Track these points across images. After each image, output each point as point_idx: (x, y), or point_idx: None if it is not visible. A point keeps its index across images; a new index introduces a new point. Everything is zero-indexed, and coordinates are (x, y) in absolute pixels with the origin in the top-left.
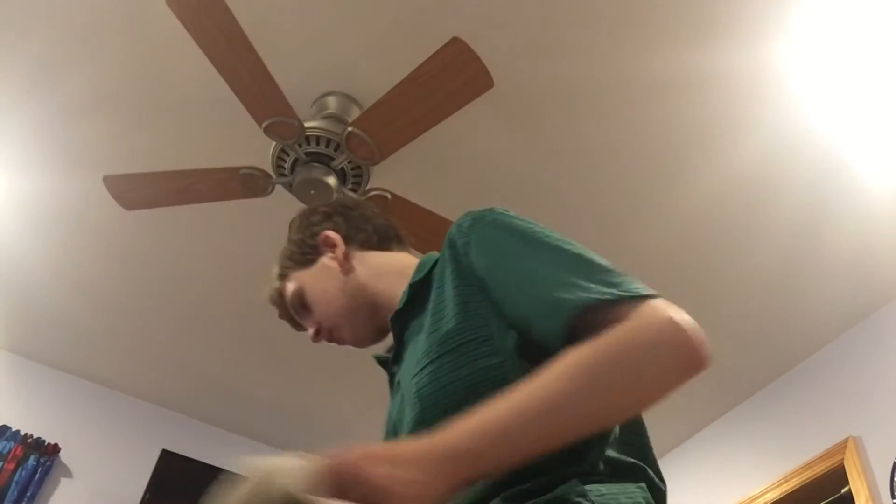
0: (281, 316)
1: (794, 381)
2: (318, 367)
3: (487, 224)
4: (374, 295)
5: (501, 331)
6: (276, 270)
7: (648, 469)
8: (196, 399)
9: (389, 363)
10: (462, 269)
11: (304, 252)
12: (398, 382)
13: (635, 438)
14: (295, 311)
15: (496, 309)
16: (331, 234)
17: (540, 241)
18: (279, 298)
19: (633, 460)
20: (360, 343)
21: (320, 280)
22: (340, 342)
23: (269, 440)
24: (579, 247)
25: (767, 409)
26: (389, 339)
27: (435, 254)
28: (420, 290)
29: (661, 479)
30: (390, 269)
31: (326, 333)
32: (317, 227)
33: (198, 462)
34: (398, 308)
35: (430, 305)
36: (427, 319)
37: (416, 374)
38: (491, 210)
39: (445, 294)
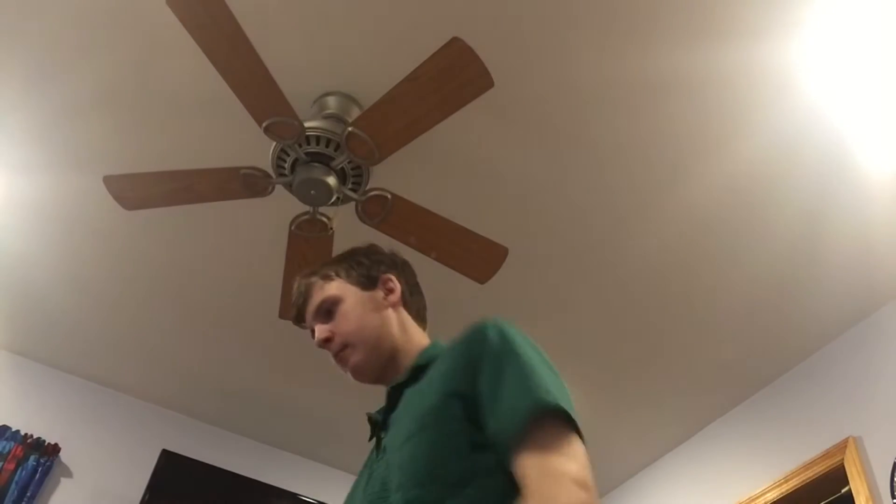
0: (293, 304)
1: (794, 381)
2: (318, 367)
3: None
4: (396, 350)
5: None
6: (321, 269)
7: None
8: (196, 399)
9: (378, 427)
10: (466, 377)
11: (363, 275)
12: (384, 448)
13: None
14: (316, 310)
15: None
16: (394, 279)
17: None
18: (306, 289)
19: None
20: (359, 371)
21: (364, 305)
22: (344, 360)
23: (269, 440)
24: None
25: (767, 409)
26: (374, 393)
27: (441, 343)
28: (420, 372)
29: None
30: (417, 340)
31: (338, 346)
32: (384, 266)
33: (198, 462)
34: (399, 381)
35: (426, 390)
36: (421, 401)
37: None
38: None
39: (435, 381)
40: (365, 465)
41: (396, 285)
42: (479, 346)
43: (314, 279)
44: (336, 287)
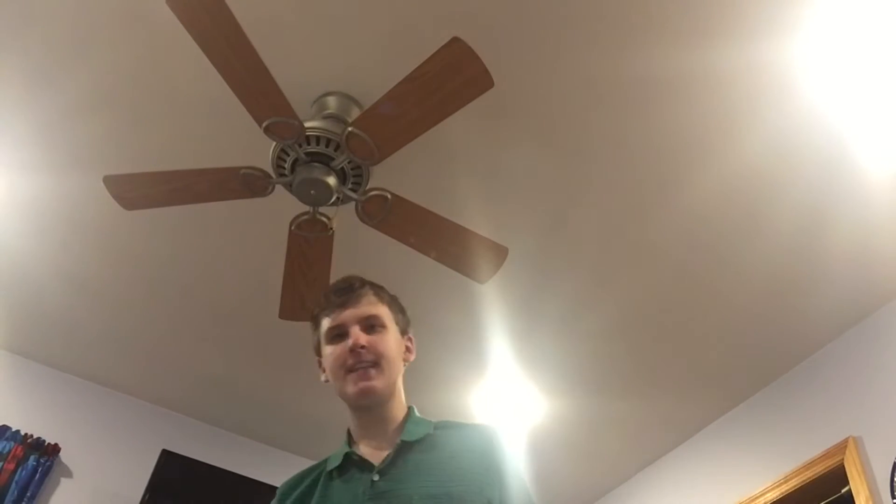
0: (346, 285)
1: (794, 381)
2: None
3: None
4: (394, 398)
5: None
6: (381, 291)
7: None
8: (196, 399)
9: (372, 471)
10: (493, 478)
11: (401, 322)
12: (382, 492)
13: None
14: (365, 317)
15: None
16: (413, 345)
17: None
18: (365, 294)
19: None
20: (372, 393)
21: (398, 345)
22: (365, 376)
23: (269, 440)
24: None
25: (767, 409)
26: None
27: (417, 413)
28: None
29: None
30: (404, 401)
31: (371, 360)
32: (410, 327)
33: (198, 462)
34: (413, 440)
35: (447, 466)
36: (443, 473)
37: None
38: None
39: (466, 473)
40: (324, 495)
41: (414, 350)
42: (500, 470)
43: (371, 291)
44: (386, 315)
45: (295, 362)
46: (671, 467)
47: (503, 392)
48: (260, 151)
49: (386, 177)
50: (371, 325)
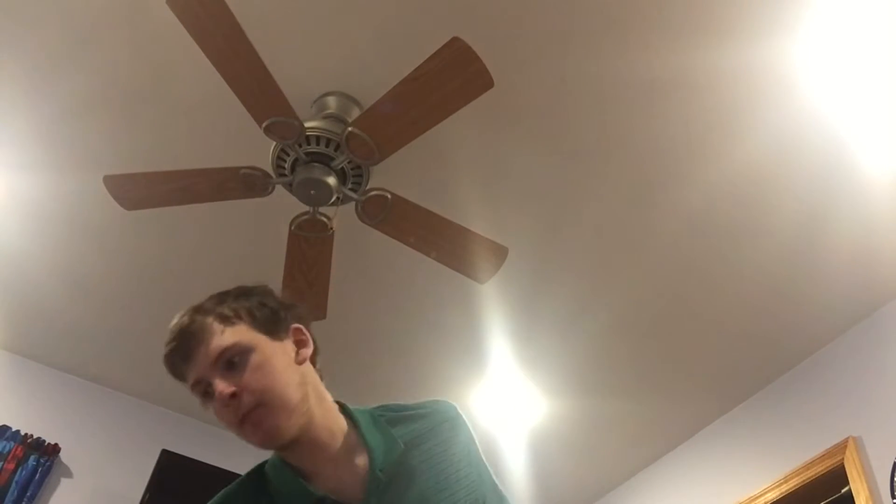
0: (172, 345)
1: (794, 381)
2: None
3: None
4: (312, 414)
5: None
6: (215, 307)
7: None
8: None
9: None
10: (480, 475)
11: (270, 322)
12: None
13: None
14: (215, 360)
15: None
16: (306, 332)
17: None
18: (199, 331)
19: None
20: (274, 437)
21: (280, 359)
22: (256, 424)
23: None
24: None
25: (767, 409)
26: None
27: (351, 407)
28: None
29: None
30: (330, 404)
31: (250, 405)
32: (293, 313)
33: (198, 462)
34: (387, 466)
35: (437, 486)
36: (438, 496)
37: None
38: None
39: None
40: None
41: (309, 339)
42: (479, 461)
43: (209, 319)
44: (241, 333)
45: None
46: (671, 467)
47: (503, 392)
48: (260, 151)
49: (386, 177)
50: (229, 360)
